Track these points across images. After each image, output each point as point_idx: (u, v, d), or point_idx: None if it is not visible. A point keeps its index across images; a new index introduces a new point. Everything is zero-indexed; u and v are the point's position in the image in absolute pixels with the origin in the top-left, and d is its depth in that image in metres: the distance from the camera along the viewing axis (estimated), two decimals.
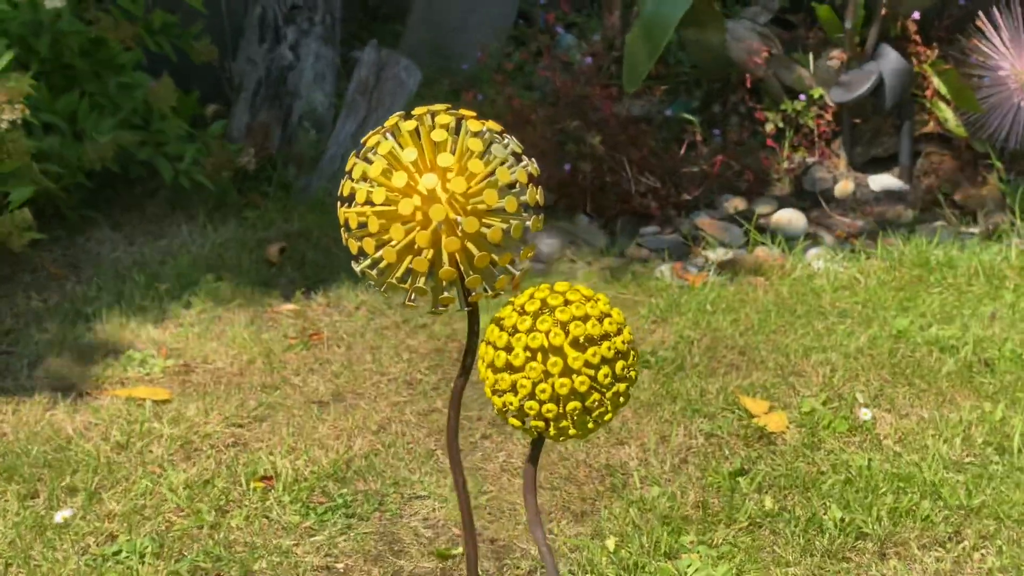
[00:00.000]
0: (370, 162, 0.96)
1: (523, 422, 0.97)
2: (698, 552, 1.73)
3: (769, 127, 3.36)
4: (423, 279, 0.97)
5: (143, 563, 1.71)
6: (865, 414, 2.11)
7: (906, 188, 3.28)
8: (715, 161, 3.23)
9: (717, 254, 2.95)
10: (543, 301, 0.97)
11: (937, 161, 3.30)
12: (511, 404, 0.96)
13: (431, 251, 0.95)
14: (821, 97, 3.36)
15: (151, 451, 2.02)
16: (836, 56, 3.35)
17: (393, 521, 1.84)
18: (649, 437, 2.07)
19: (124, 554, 1.73)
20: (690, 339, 2.45)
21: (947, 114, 3.28)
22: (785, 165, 3.34)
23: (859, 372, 2.28)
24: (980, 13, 3.28)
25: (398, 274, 0.97)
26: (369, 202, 0.96)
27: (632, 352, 0.98)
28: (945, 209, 3.17)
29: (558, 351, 0.95)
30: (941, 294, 2.65)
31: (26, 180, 2.57)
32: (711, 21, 3.19)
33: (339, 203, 1.00)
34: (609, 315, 0.97)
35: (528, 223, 0.98)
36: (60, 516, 1.80)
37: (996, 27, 3.23)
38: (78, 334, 2.47)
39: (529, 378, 0.95)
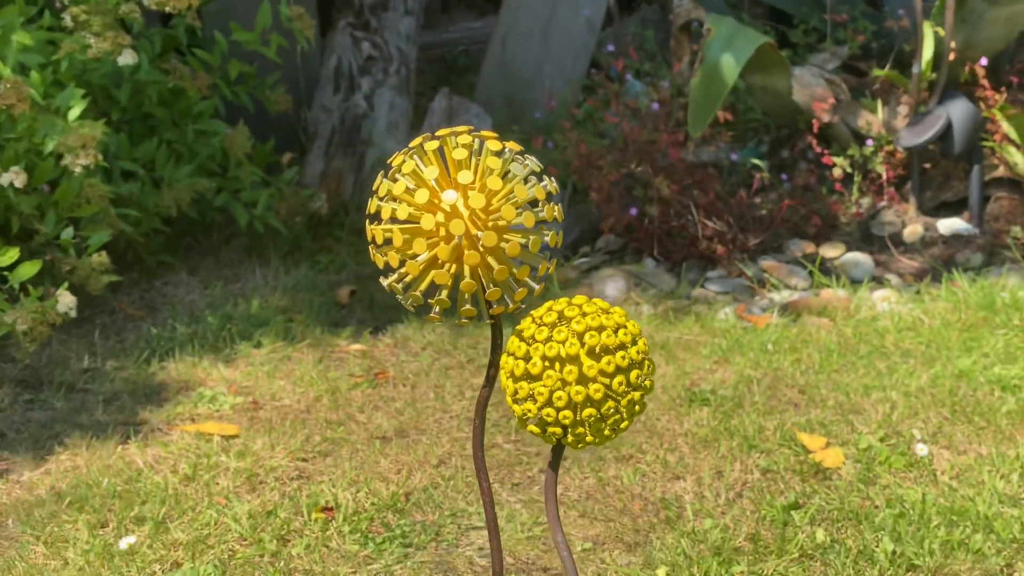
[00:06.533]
0: (395, 181, 1.01)
1: (543, 429, 1.01)
2: None
3: (837, 172, 3.38)
4: (446, 292, 1.01)
5: None
6: (921, 450, 2.11)
7: (975, 232, 3.27)
8: (782, 205, 3.25)
9: (782, 296, 2.97)
10: (560, 313, 1.01)
11: (1007, 205, 3.30)
12: (530, 412, 1.00)
13: (453, 265, 1.00)
14: (890, 142, 3.37)
15: (217, 483, 2.08)
16: (904, 101, 3.36)
17: (449, 550, 1.88)
18: (705, 472, 2.09)
19: None
20: (750, 378, 2.46)
21: (1016, 158, 3.28)
22: (853, 210, 3.35)
23: (919, 410, 2.28)
24: None
25: (422, 287, 1.02)
26: (394, 219, 1.01)
27: (647, 362, 1.01)
28: (1014, 252, 3.16)
29: (573, 360, 0.99)
30: (1006, 335, 2.64)
31: (104, 225, 2.65)
32: (776, 67, 3.22)
33: (367, 221, 1.05)
34: (624, 326, 1.01)
35: (546, 238, 1.02)
36: (125, 543, 1.86)
37: None
38: (152, 373, 2.55)
39: (546, 386, 0.99)
